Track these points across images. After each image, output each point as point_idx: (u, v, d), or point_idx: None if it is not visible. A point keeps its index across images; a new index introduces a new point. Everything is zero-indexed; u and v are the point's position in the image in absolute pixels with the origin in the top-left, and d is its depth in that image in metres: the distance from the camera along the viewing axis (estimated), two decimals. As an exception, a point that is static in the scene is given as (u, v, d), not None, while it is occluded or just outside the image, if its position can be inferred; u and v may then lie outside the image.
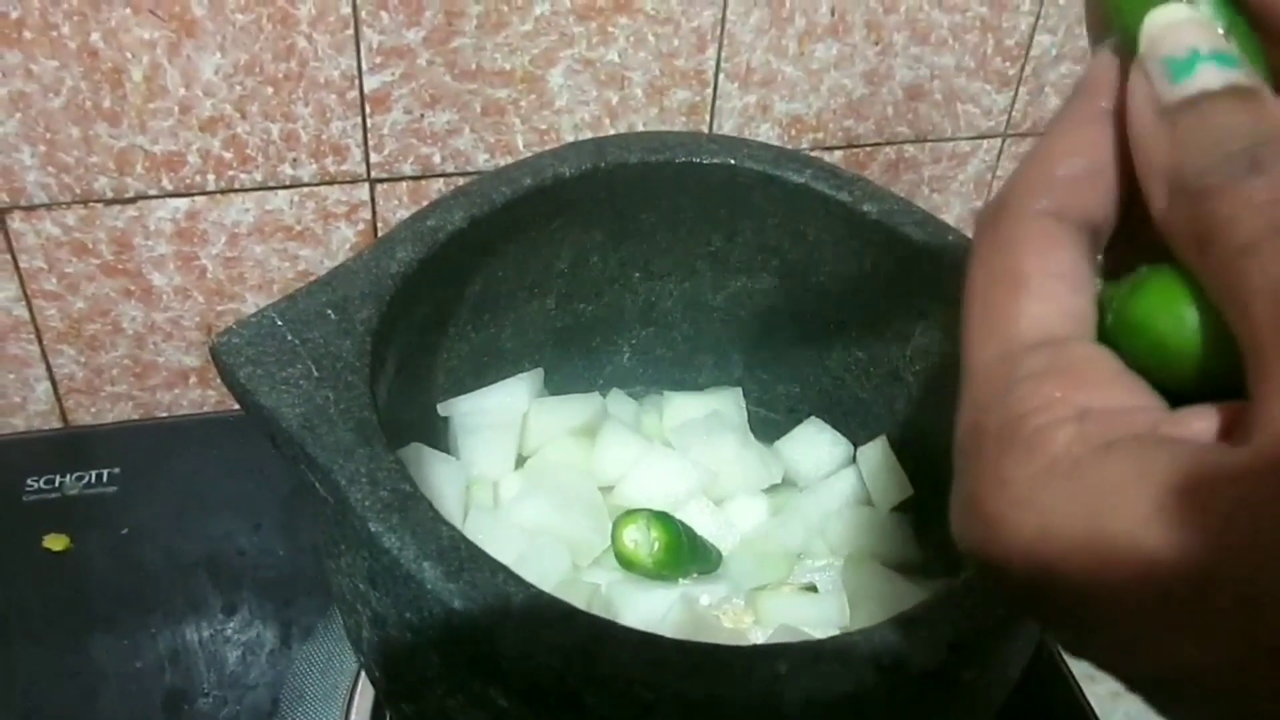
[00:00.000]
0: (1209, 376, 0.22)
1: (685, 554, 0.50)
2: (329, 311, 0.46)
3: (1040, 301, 0.22)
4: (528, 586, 0.38)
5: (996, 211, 0.24)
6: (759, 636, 0.49)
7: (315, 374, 0.44)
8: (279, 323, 0.45)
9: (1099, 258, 0.24)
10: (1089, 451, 0.20)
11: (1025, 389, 0.21)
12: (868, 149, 0.76)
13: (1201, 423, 0.21)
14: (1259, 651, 0.18)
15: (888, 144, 0.76)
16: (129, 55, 0.62)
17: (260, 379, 0.43)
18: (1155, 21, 0.23)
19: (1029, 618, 0.22)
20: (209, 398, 0.75)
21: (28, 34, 0.60)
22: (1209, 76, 0.22)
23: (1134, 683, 0.21)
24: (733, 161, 0.54)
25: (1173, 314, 0.22)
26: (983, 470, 0.21)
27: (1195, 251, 0.21)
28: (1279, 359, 0.19)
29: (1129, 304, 0.23)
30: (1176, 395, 0.22)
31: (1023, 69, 0.75)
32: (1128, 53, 0.24)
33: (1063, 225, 0.23)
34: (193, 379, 0.74)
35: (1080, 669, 0.64)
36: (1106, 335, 0.23)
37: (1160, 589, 0.19)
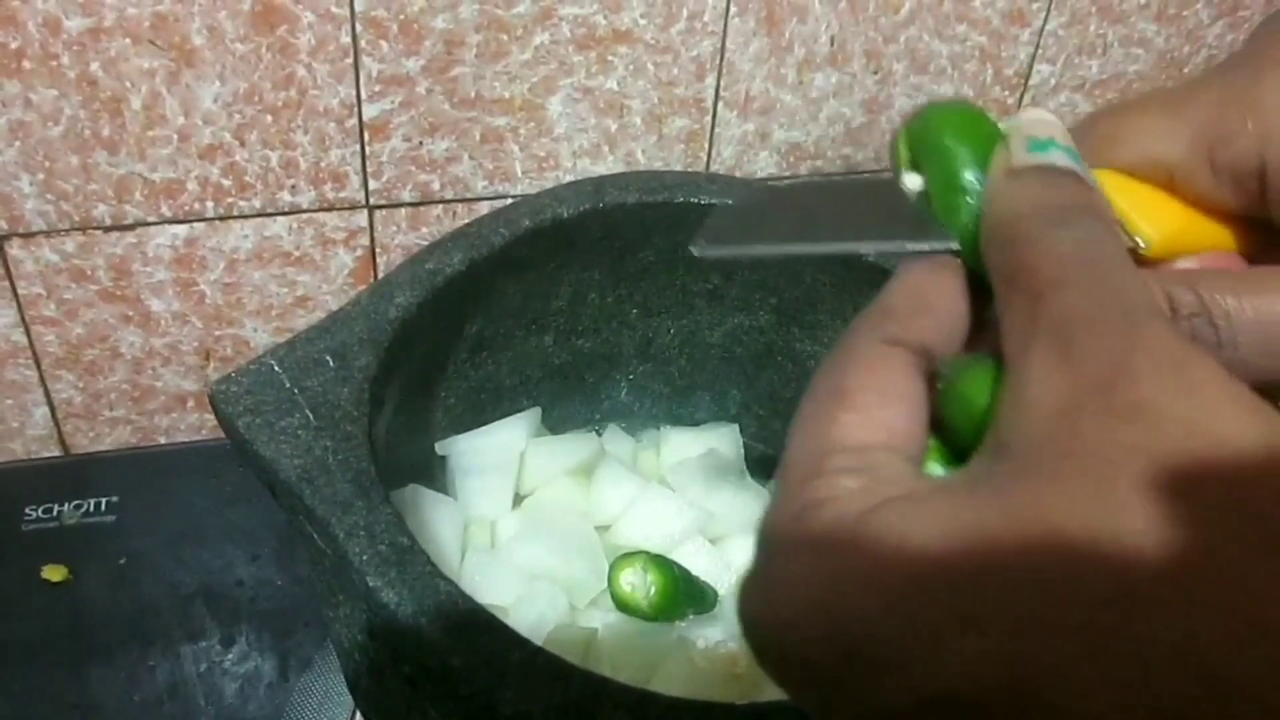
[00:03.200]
0: None
1: (682, 597, 0.50)
2: (328, 358, 0.46)
3: (857, 414, 0.25)
4: (525, 644, 0.39)
5: (844, 336, 0.27)
6: (756, 678, 0.49)
7: (314, 423, 0.44)
8: (277, 369, 0.46)
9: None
10: (868, 511, 0.23)
11: (832, 478, 0.24)
12: (867, 176, 0.76)
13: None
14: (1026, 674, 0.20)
15: (886, 171, 0.76)
16: (128, 84, 0.62)
17: (259, 429, 0.44)
18: (1027, 114, 0.27)
19: (810, 701, 0.23)
20: (207, 422, 0.75)
21: (27, 64, 0.60)
22: (1058, 158, 0.26)
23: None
24: (730, 202, 0.54)
25: (988, 390, 0.24)
26: (779, 542, 0.24)
27: (1003, 290, 0.24)
28: (1028, 392, 0.22)
29: (957, 377, 0.26)
30: None
31: (1021, 98, 0.75)
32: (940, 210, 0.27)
33: (892, 351, 0.26)
34: (191, 403, 0.74)
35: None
36: (937, 400, 0.26)
37: (910, 615, 0.21)
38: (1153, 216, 0.29)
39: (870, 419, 0.25)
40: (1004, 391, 0.23)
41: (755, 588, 0.24)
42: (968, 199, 0.27)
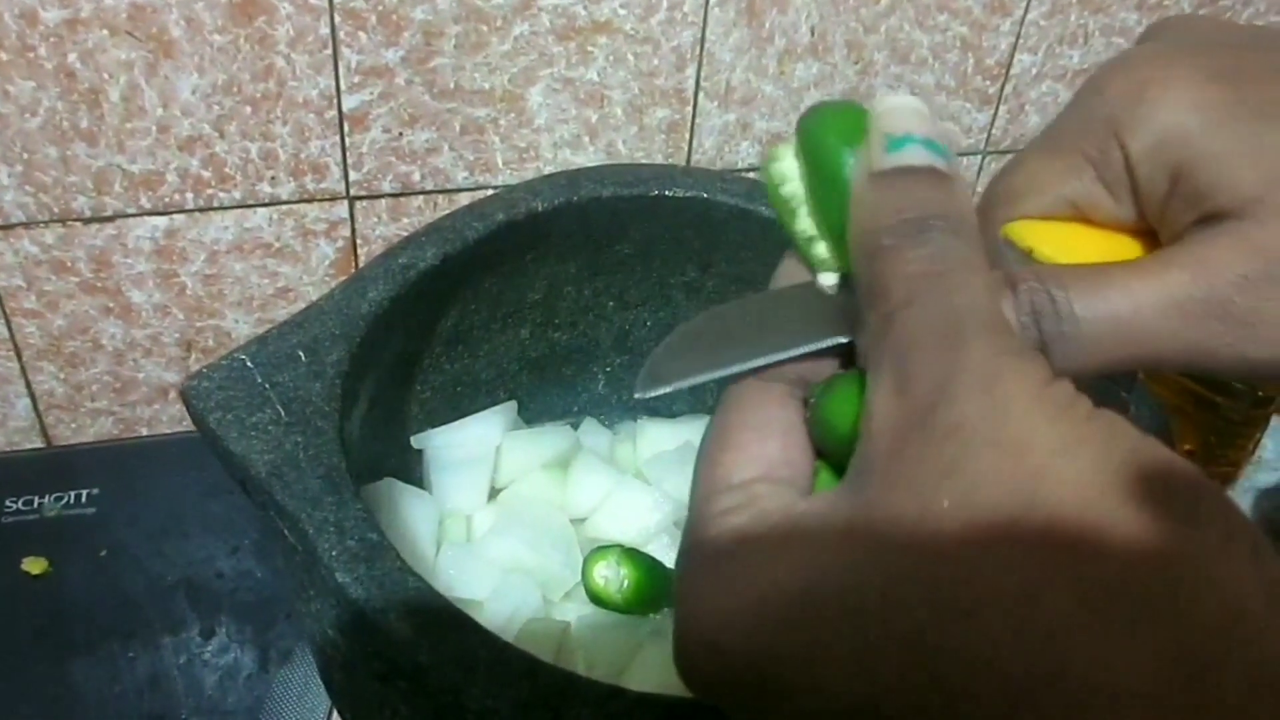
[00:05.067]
0: None
1: (655, 591, 0.50)
2: (299, 353, 0.46)
3: (733, 451, 0.27)
4: (493, 640, 0.39)
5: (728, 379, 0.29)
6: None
7: (284, 418, 0.44)
8: (249, 365, 0.46)
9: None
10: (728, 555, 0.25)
11: (712, 522, 0.26)
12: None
13: None
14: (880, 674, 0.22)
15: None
16: (106, 76, 0.62)
17: (230, 424, 0.44)
18: (885, 103, 0.27)
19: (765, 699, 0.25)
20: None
21: (4, 55, 0.60)
22: (915, 155, 0.26)
23: None
24: (705, 195, 0.54)
25: (846, 415, 0.26)
26: (684, 590, 0.25)
27: (864, 311, 0.25)
28: (872, 419, 0.23)
29: (819, 403, 0.27)
30: None
31: (1003, 88, 0.75)
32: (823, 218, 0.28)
33: (769, 383, 0.28)
34: (172, 394, 0.74)
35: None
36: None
37: (785, 634, 0.23)
38: (1074, 253, 0.30)
39: (748, 455, 0.26)
40: (861, 418, 0.24)
41: (674, 631, 0.25)
42: (843, 201, 0.27)
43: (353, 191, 0.69)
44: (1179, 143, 0.28)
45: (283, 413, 0.44)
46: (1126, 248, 0.31)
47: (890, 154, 0.26)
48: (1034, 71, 0.75)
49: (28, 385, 0.72)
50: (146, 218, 0.67)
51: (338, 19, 0.63)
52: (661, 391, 0.29)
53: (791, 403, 0.28)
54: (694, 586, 0.25)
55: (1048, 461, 0.21)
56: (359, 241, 0.71)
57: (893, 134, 0.26)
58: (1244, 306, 0.27)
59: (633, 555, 0.50)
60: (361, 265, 0.70)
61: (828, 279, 0.29)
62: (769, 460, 0.27)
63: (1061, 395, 0.22)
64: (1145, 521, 0.20)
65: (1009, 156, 0.78)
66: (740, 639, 0.23)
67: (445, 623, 0.39)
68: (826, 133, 0.28)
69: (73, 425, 0.74)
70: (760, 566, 0.24)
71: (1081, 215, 0.31)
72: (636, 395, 0.29)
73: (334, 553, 0.40)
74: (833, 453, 0.26)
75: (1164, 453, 0.22)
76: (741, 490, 0.26)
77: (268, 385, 0.45)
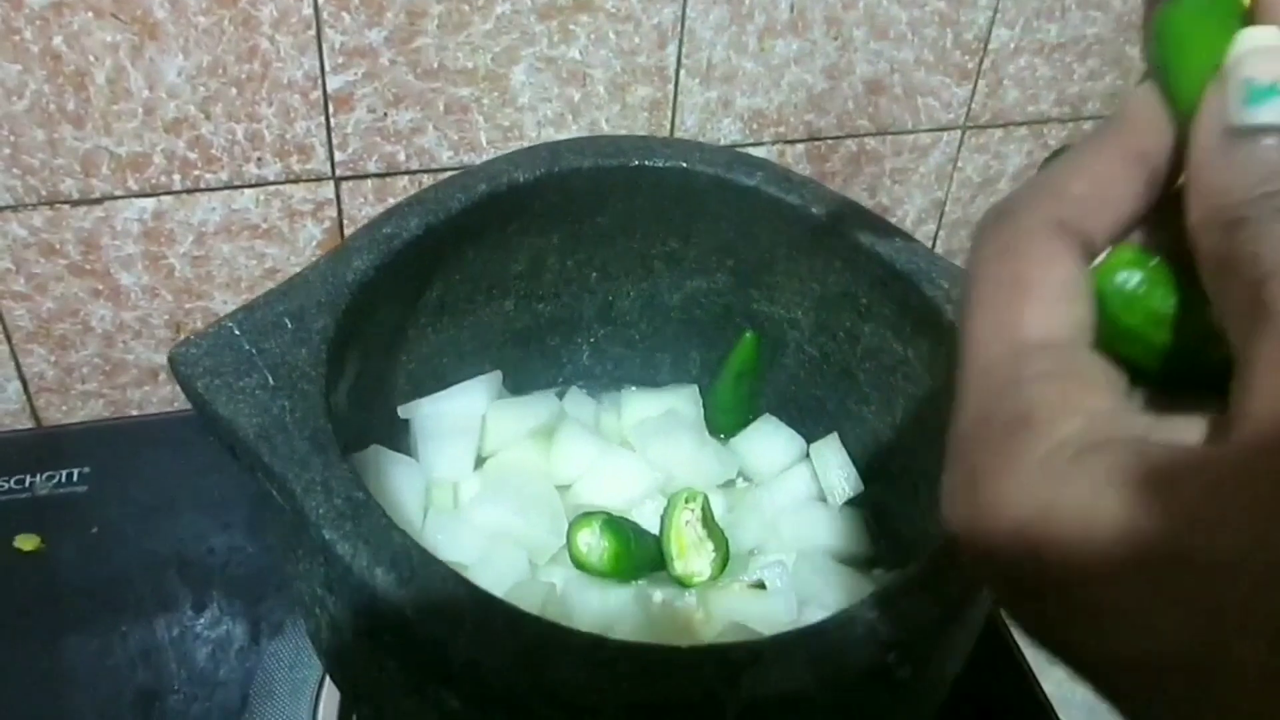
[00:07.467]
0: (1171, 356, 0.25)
1: (635, 560, 0.51)
2: (286, 321, 0.47)
3: (1044, 306, 0.23)
4: (478, 592, 0.39)
5: (1002, 215, 0.25)
6: (709, 633, 0.50)
7: (272, 383, 0.45)
8: (236, 332, 0.46)
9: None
10: (1090, 445, 0.21)
11: (1034, 386, 0.23)
12: (829, 142, 0.77)
13: (1188, 432, 0.22)
14: (1227, 626, 0.19)
15: (849, 137, 0.77)
16: (92, 58, 0.62)
17: (218, 389, 0.44)
18: (1251, 38, 0.23)
19: (1005, 601, 0.23)
20: (179, 394, 0.75)
21: (-10, 39, 0.60)
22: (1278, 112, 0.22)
23: (1095, 669, 0.22)
24: (685, 165, 0.55)
25: (1172, 301, 0.24)
26: (988, 455, 0.22)
27: (1214, 272, 0.22)
28: (1267, 378, 0.20)
29: (1143, 285, 0.24)
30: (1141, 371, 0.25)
31: (981, 62, 0.76)
32: (1173, 101, 0.24)
33: (1065, 238, 0.24)
34: (162, 376, 0.75)
35: (1036, 658, 0.65)
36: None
37: (1138, 564, 0.20)
38: None
39: (1061, 313, 0.23)
40: (1237, 376, 0.21)
41: (963, 502, 0.23)
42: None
43: (338, 172, 0.70)
44: None
45: (270, 378, 0.45)
46: None
47: (1251, 108, 0.22)
48: (1012, 46, 0.76)
49: (18, 368, 0.72)
50: (134, 200, 0.68)
51: (320, 0, 0.64)
52: None
53: (1084, 267, 0.24)
54: (1003, 470, 0.22)
55: None
56: (345, 222, 0.72)
57: (1256, 81, 0.22)
58: None
59: (615, 525, 0.51)
60: (348, 244, 0.71)
61: None
62: (1079, 323, 0.24)
63: None
64: None
65: (989, 131, 0.79)
66: (1067, 556, 0.21)
67: (431, 577, 0.39)
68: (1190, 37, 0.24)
69: (63, 408, 0.75)
70: (1109, 496, 0.21)
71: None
72: None
73: (321, 510, 0.41)
74: (1150, 344, 0.24)
75: None
76: (1053, 353, 0.23)
77: (255, 351, 0.46)
